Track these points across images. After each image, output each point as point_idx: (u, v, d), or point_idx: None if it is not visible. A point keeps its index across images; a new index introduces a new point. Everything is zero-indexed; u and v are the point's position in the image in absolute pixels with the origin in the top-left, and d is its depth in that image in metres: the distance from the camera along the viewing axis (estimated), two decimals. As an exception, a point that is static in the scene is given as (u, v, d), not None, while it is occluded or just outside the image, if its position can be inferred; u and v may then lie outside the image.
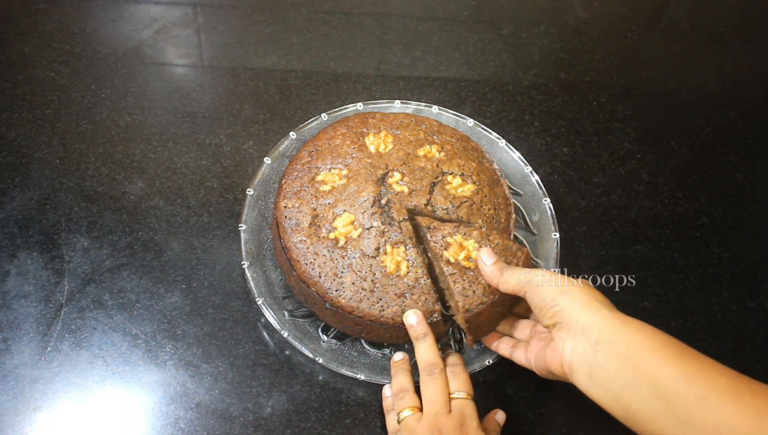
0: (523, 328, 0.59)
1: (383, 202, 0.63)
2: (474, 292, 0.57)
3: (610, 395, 0.46)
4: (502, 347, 0.59)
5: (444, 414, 0.53)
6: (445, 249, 0.59)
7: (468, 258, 0.58)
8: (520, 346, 0.57)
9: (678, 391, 0.43)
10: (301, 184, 0.65)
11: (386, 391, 0.60)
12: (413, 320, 0.58)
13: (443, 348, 0.62)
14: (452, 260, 0.58)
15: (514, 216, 0.66)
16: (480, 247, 0.58)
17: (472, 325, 0.57)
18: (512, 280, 0.54)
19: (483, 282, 0.57)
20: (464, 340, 0.64)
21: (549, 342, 0.51)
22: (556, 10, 0.98)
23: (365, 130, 0.68)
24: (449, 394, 0.54)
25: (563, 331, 0.49)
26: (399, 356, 0.60)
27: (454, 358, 0.58)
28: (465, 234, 0.59)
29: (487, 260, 0.56)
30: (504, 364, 0.61)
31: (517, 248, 0.59)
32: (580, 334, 0.47)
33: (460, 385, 0.55)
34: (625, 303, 0.52)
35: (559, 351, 0.49)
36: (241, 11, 0.92)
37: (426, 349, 0.56)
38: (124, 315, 0.66)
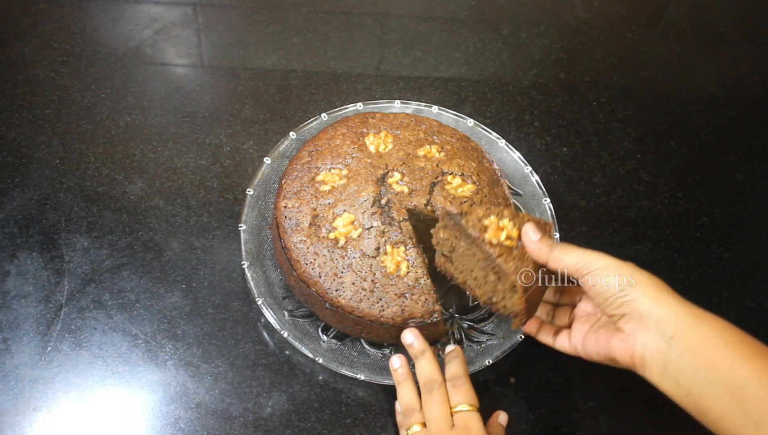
0: (561, 314, 0.59)
1: (383, 202, 0.63)
2: (527, 269, 0.54)
3: (682, 391, 0.46)
4: (544, 335, 0.58)
5: (447, 429, 0.52)
6: (485, 231, 0.55)
7: (509, 237, 0.55)
8: (562, 332, 0.57)
9: (751, 391, 0.43)
10: (301, 184, 0.65)
11: (398, 406, 0.59)
12: (410, 339, 0.57)
13: (443, 347, 0.62)
14: (495, 242, 0.55)
15: (514, 216, 0.66)
16: (515, 225, 0.55)
17: (529, 304, 0.54)
18: (567, 259, 0.51)
19: (529, 259, 0.54)
20: (464, 340, 0.64)
21: (613, 331, 0.50)
22: (556, 10, 0.98)
23: (365, 130, 0.68)
24: (450, 408, 0.54)
25: (633, 323, 0.48)
26: (396, 363, 0.58)
27: (455, 370, 0.56)
28: (498, 214, 0.56)
29: (533, 236, 0.53)
30: (503, 364, 0.61)
31: (543, 223, 0.56)
32: (654, 328, 0.47)
33: (462, 397, 0.54)
34: (625, 303, 0.53)
35: (630, 343, 0.48)
36: (241, 11, 0.92)
37: (425, 366, 0.56)
38: (124, 315, 0.66)
